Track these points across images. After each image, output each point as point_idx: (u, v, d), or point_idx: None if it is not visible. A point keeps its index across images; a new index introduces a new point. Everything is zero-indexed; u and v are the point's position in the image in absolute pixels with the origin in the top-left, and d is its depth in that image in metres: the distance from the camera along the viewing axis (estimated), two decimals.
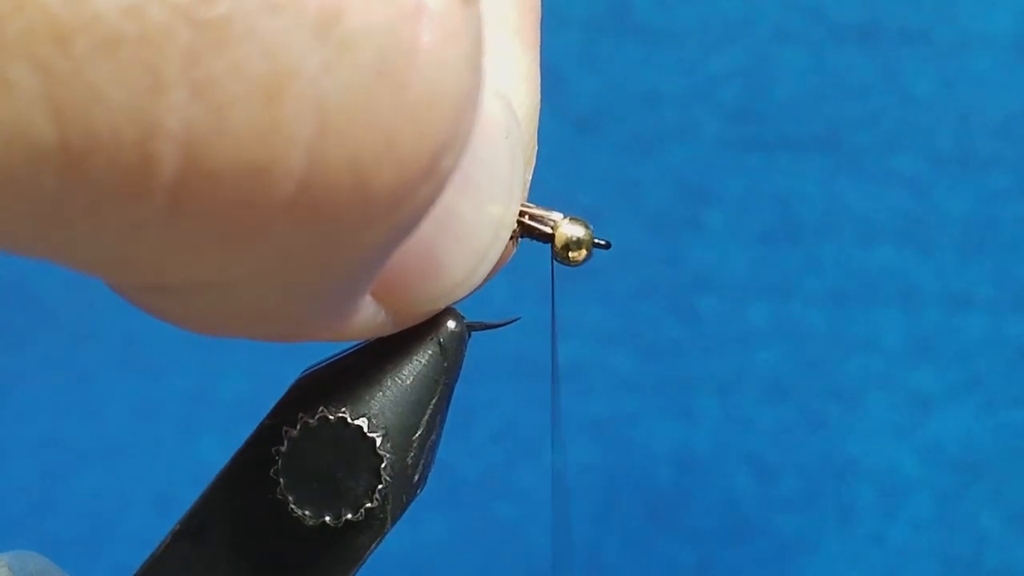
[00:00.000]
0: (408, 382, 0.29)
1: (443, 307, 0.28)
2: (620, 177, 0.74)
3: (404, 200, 0.21)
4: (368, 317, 0.26)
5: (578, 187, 0.73)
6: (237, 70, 0.18)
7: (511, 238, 0.28)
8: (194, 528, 0.29)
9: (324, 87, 0.19)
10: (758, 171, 0.74)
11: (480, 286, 0.29)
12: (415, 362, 0.29)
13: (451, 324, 0.29)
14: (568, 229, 0.30)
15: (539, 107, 0.30)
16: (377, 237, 0.21)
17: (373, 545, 0.29)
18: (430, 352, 0.29)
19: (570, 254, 0.30)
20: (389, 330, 0.28)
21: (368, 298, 0.26)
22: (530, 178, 0.30)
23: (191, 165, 0.19)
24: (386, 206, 0.20)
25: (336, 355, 0.29)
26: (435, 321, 0.29)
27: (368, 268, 0.23)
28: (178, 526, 0.29)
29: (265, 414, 0.30)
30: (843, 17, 0.76)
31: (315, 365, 0.29)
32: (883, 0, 0.76)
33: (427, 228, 0.25)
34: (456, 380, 0.29)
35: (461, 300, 0.28)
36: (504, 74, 0.28)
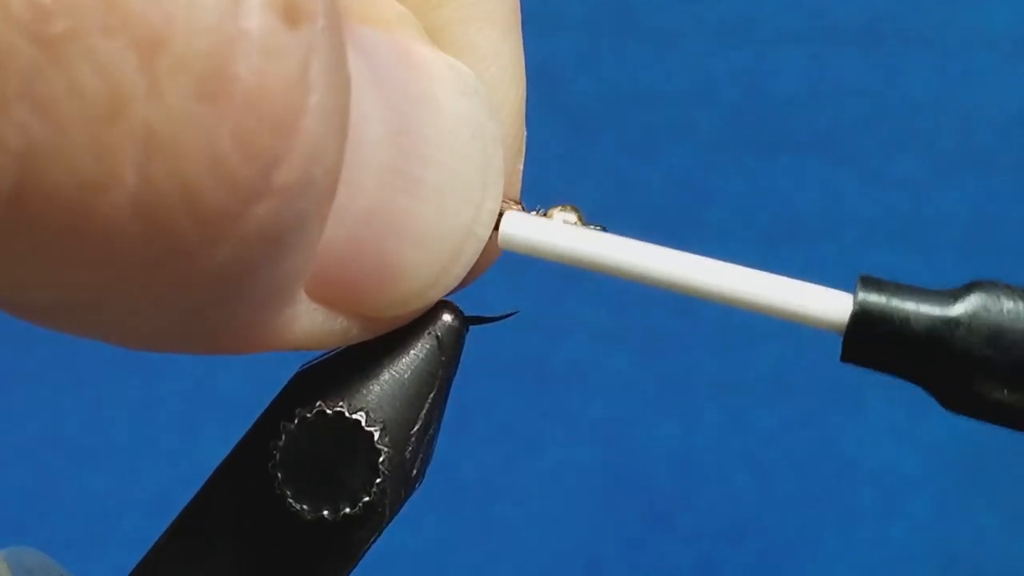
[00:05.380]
0: (406, 376, 0.28)
1: (417, 309, 0.28)
2: (620, 177, 0.74)
3: (241, 218, 0.21)
4: (316, 324, 0.26)
5: (578, 187, 0.73)
6: (76, 88, 0.19)
7: (496, 229, 0.28)
8: (192, 523, 0.29)
9: (151, 110, 0.19)
10: (758, 171, 0.74)
11: (471, 281, 0.28)
12: (412, 356, 0.29)
13: (448, 318, 0.29)
14: (560, 217, 0.30)
15: (524, 95, 0.30)
16: (230, 253, 0.21)
17: (372, 539, 0.29)
18: (428, 346, 0.29)
19: None
20: (359, 336, 0.27)
21: (308, 306, 0.25)
22: (521, 167, 0.30)
23: (28, 179, 0.19)
24: (222, 224, 0.21)
25: (335, 350, 0.29)
26: (432, 315, 0.29)
27: (258, 281, 0.23)
28: (176, 521, 0.29)
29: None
30: (844, 18, 0.76)
31: (313, 359, 0.29)
32: (884, 1, 0.76)
33: (371, 234, 0.25)
34: (454, 374, 0.29)
35: (447, 295, 0.28)
36: (481, 68, 0.28)
